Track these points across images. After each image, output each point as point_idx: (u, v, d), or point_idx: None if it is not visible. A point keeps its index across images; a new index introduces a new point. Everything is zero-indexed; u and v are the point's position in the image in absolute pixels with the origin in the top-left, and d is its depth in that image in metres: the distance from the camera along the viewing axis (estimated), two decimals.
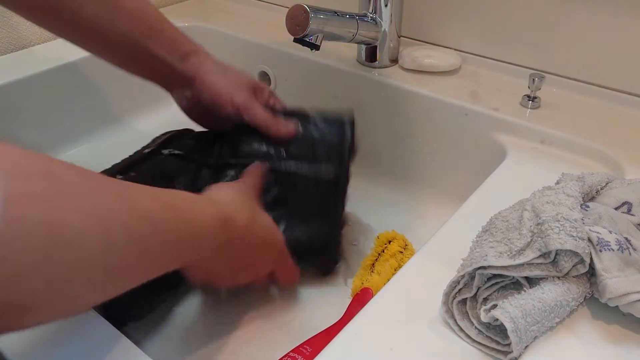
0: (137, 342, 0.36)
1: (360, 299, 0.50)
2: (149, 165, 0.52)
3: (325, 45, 0.58)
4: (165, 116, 0.73)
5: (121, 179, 0.52)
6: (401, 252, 0.54)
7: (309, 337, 0.46)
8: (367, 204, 0.65)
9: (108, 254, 0.25)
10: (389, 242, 0.56)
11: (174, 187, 0.48)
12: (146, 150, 0.53)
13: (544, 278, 0.34)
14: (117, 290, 0.28)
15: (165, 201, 0.31)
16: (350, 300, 0.51)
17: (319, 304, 0.52)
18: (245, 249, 0.41)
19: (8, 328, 0.24)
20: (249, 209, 0.42)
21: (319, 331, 0.47)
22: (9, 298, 0.22)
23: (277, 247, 0.46)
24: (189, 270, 0.38)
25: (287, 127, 0.52)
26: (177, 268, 0.35)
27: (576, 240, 0.33)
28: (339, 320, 0.48)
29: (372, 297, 0.49)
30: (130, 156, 0.53)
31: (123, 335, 0.36)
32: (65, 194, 0.23)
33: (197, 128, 0.58)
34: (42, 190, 0.22)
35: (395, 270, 0.53)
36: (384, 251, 0.55)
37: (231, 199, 0.41)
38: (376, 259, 0.54)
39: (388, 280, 0.51)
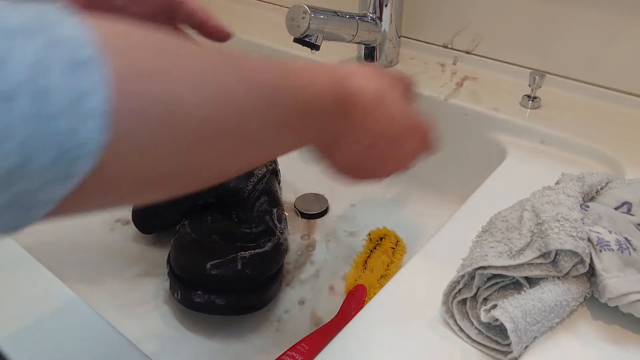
0: (137, 342, 0.36)
1: (354, 295, 0.50)
2: None
3: (325, 45, 0.58)
4: None
5: None
6: (393, 249, 0.55)
7: (306, 335, 0.46)
8: (366, 204, 0.65)
9: (226, 128, 0.25)
10: (381, 239, 0.56)
11: None
12: None
13: (544, 278, 0.34)
14: (240, 165, 0.29)
15: (282, 71, 0.30)
16: (344, 297, 0.51)
17: (314, 302, 0.52)
18: (378, 129, 0.36)
19: (137, 201, 0.25)
20: (382, 82, 0.36)
21: (315, 329, 0.47)
22: (131, 174, 0.22)
23: (422, 131, 0.40)
24: (327, 156, 0.36)
25: (224, 27, 0.46)
26: (303, 146, 0.34)
27: (576, 240, 0.33)
28: (334, 317, 0.49)
29: (366, 293, 0.50)
30: None
31: (123, 335, 0.36)
32: (177, 69, 0.23)
33: None
34: (152, 66, 0.22)
35: (387, 266, 0.53)
36: (375, 248, 0.55)
37: (358, 69, 0.35)
38: (368, 256, 0.55)
39: (380, 276, 0.52)
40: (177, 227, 0.53)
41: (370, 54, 0.66)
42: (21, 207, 0.19)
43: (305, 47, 0.57)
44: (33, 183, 0.18)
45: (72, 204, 0.20)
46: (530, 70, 0.58)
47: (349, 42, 0.62)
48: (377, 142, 0.37)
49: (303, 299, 0.52)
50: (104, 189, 0.21)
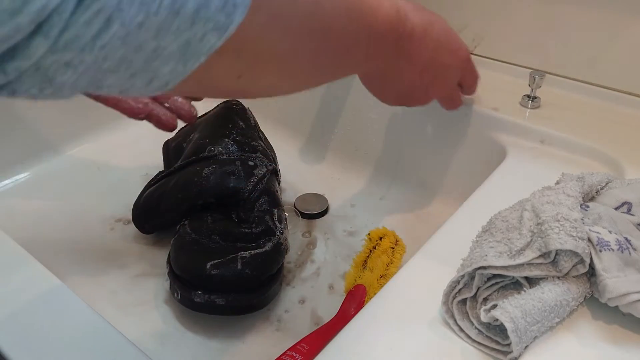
0: (137, 342, 0.36)
1: (354, 295, 0.50)
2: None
3: None
4: None
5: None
6: (392, 249, 0.55)
7: (306, 335, 0.46)
8: (366, 204, 0.65)
9: (319, 23, 0.29)
10: (380, 238, 0.56)
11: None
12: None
13: (543, 278, 0.34)
14: (319, 77, 0.34)
15: None
16: (344, 297, 0.51)
17: (314, 301, 0.52)
18: (427, 55, 0.41)
19: (247, 82, 0.28)
20: (427, 13, 0.41)
21: (315, 328, 0.47)
22: (255, 44, 0.25)
23: (463, 54, 0.45)
24: (380, 82, 0.42)
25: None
26: (364, 69, 0.40)
27: (576, 240, 0.33)
28: (334, 317, 0.49)
29: (366, 293, 0.50)
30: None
31: (123, 335, 0.36)
32: None
33: None
34: None
35: (387, 266, 0.53)
36: (375, 248, 0.55)
37: (406, 3, 0.40)
38: (368, 256, 0.55)
39: (380, 276, 0.52)
40: (177, 227, 0.53)
41: None
42: (184, 54, 0.21)
43: None
44: (200, 30, 0.20)
45: (209, 69, 0.23)
46: (530, 70, 0.58)
47: None
48: (426, 68, 0.42)
49: (303, 298, 0.52)
50: (233, 54, 0.24)
